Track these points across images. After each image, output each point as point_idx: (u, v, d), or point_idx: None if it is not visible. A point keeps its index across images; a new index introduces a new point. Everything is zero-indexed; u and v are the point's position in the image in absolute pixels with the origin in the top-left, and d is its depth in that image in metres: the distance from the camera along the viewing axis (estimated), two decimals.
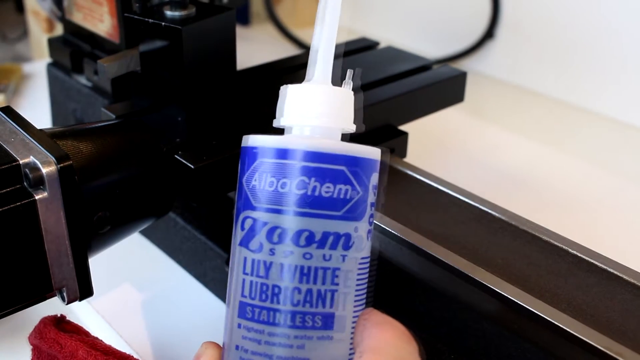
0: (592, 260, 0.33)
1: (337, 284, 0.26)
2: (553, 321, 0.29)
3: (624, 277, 0.32)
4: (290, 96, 0.28)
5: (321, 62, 0.28)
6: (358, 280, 0.26)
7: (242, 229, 0.26)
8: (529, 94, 0.71)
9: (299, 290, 0.25)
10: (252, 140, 0.27)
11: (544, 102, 0.69)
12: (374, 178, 0.27)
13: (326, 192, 0.25)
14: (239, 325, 0.26)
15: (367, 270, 0.27)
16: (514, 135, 0.62)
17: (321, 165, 0.25)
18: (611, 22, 0.64)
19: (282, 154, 0.26)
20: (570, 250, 0.34)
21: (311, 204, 0.25)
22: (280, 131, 0.28)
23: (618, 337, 0.29)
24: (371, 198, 0.27)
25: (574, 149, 0.61)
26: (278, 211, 0.25)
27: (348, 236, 0.26)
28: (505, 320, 0.31)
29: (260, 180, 0.26)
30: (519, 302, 0.30)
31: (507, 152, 0.59)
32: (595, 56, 0.65)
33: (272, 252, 0.25)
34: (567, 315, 0.30)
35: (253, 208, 0.26)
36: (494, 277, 0.32)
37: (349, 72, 0.29)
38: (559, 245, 0.35)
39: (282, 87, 0.28)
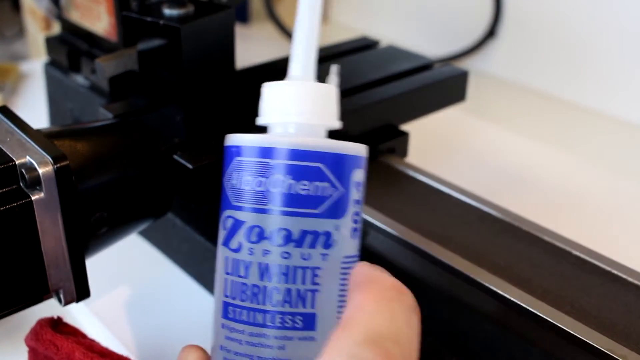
0: (595, 262, 0.33)
1: (317, 284, 0.25)
2: (556, 323, 0.29)
3: (628, 278, 0.32)
4: (269, 93, 0.28)
5: (301, 57, 0.28)
6: (343, 279, 0.26)
7: (224, 228, 0.26)
8: (531, 93, 0.71)
9: (277, 290, 0.25)
10: (231, 139, 0.27)
11: (547, 101, 0.69)
12: (357, 175, 0.26)
13: (302, 189, 0.25)
14: (223, 325, 0.26)
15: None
16: (516, 135, 0.62)
17: (296, 162, 0.25)
18: (616, 20, 0.63)
19: (257, 152, 0.26)
20: (573, 251, 0.34)
21: (288, 202, 0.25)
22: (265, 130, 0.28)
23: (621, 339, 0.29)
24: (354, 195, 0.26)
25: (578, 149, 0.60)
26: (255, 210, 0.25)
27: (328, 234, 0.25)
28: (508, 322, 0.31)
29: (238, 179, 0.26)
30: (521, 304, 0.30)
31: (509, 152, 0.59)
32: (599, 54, 0.65)
33: (250, 251, 0.25)
34: (570, 317, 0.29)
35: (232, 207, 0.26)
36: (496, 278, 0.32)
37: (333, 67, 0.28)
38: (562, 246, 0.34)
39: (264, 84, 0.28)
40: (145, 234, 0.47)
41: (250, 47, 0.80)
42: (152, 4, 0.37)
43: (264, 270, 0.25)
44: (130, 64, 0.38)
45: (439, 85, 0.46)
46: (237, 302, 0.26)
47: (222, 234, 0.27)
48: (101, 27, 0.45)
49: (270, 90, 0.28)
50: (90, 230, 0.31)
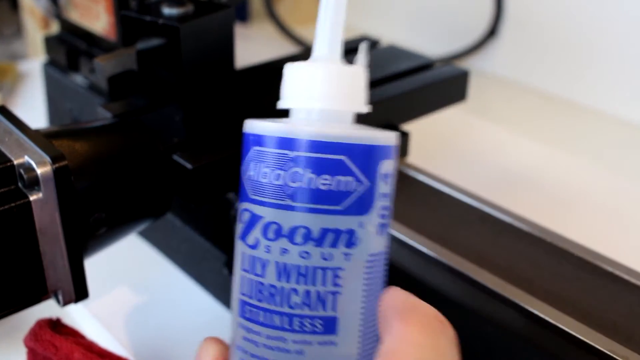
0: (597, 263, 0.33)
1: (339, 285, 0.23)
2: (558, 324, 0.29)
3: (630, 279, 0.32)
4: (291, 75, 0.26)
5: (327, 34, 0.25)
6: (368, 279, 0.24)
7: (241, 221, 0.25)
8: (532, 93, 0.70)
9: (296, 291, 0.23)
10: (249, 125, 0.25)
11: (548, 101, 0.69)
12: (386, 166, 0.24)
13: (324, 184, 0.23)
14: (239, 325, 0.25)
15: (382, 266, 0.25)
16: (517, 135, 0.62)
17: (317, 155, 0.23)
18: (618, 19, 0.63)
19: (275, 142, 0.24)
20: (575, 252, 0.34)
21: (307, 198, 0.23)
22: (287, 114, 0.26)
23: (623, 341, 0.29)
24: (382, 188, 0.24)
25: (579, 149, 0.60)
26: (273, 205, 0.23)
27: (351, 233, 0.23)
28: (509, 323, 0.31)
29: (255, 170, 0.24)
30: (523, 305, 0.30)
31: (510, 151, 0.59)
32: (601, 54, 0.65)
33: (267, 249, 0.24)
34: (571, 318, 0.29)
35: (249, 200, 0.24)
36: (497, 279, 0.32)
37: (362, 45, 0.26)
38: (563, 247, 0.34)
39: (286, 65, 0.26)
40: (144, 234, 0.47)
41: (250, 46, 0.79)
42: (151, 3, 0.37)
43: (281, 270, 0.23)
44: (129, 63, 0.38)
45: (439, 85, 0.46)
46: (254, 301, 0.24)
47: (239, 227, 0.25)
48: (100, 26, 0.45)
49: (292, 72, 0.26)
50: (88, 231, 0.31)
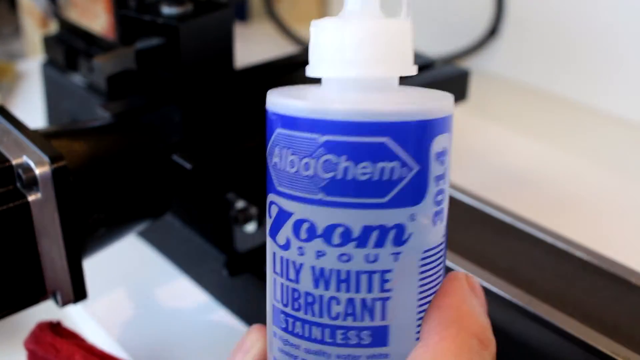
0: (599, 264, 0.33)
1: (389, 290, 0.20)
2: (559, 325, 0.29)
3: (632, 280, 0.32)
4: (317, 35, 0.21)
5: None
6: (424, 278, 0.20)
7: (270, 216, 0.21)
8: (533, 92, 0.70)
9: (337, 300, 0.20)
10: (272, 100, 0.21)
11: (550, 100, 0.69)
12: (440, 142, 0.20)
13: (363, 174, 0.19)
14: (274, 334, 0.22)
15: (440, 259, 0.21)
16: (518, 134, 0.62)
17: (353, 138, 0.19)
18: (620, 19, 0.63)
19: (302, 124, 0.19)
20: (576, 253, 0.34)
21: (343, 191, 0.19)
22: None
23: (625, 342, 0.28)
24: (436, 170, 0.20)
25: (581, 149, 0.60)
26: (303, 200, 0.20)
27: (401, 228, 0.19)
28: (509, 325, 0.31)
29: (280, 157, 0.20)
30: (523, 306, 0.30)
31: (511, 151, 0.59)
32: (602, 53, 0.65)
33: (301, 251, 0.20)
34: (572, 319, 0.29)
35: (276, 192, 0.20)
36: (498, 280, 0.31)
37: None
38: (565, 248, 0.34)
39: (312, 22, 0.21)
40: (144, 235, 0.47)
41: (250, 46, 0.79)
42: (150, 3, 0.36)
43: (318, 276, 0.20)
44: (128, 63, 0.37)
45: (440, 84, 0.46)
46: (289, 310, 0.21)
47: (268, 222, 0.21)
48: (99, 25, 0.45)
49: (319, 31, 0.21)
50: (87, 231, 0.31)
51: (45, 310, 0.33)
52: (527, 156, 0.58)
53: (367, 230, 0.19)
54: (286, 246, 0.20)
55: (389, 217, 0.19)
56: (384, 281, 0.20)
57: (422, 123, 0.19)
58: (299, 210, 0.20)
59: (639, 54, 0.62)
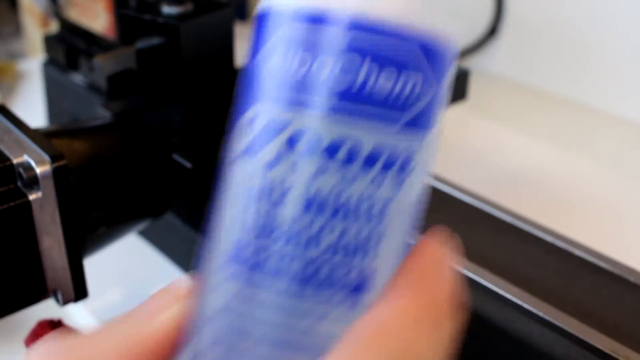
0: (599, 263, 0.33)
1: (386, 224, 0.17)
2: (559, 324, 0.29)
3: (632, 279, 0.32)
4: None
5: None
6: (413, 221, 0.19)
7: (246, 132, 0.18)
8: (532, 92, 0.70)
9: (330, 228, 0.17)
10: None
11: (550, 100, 0.69)
12: (451, 74, 0.18)
13: (386, 82, 0.17)
14: (230, 276, 0.18)
15: (423, 205, 0.19)
16: (518, 134, 0.62)
17: (383, 39, 0.16)
18: (620, 19, 0.63)
19: (316, 18, 0.17)
20: (576, 252, 0.34)
21: (360, 99, 0.16)
22: None
23: (625, 340, 0.28)
24: (443, 102, 0.18)
25: (581, 148, 0.60)
26: (309, 106, 0.17)
27: (410, 152, 0.17)
28: (510, 324, 0.31)
29: (282, 58, 0.17)
30: (523, 305, 0.30)
31: (510, 151, 0.59)
32: (602, 53, 0.65)
33: (294, 168, 0.17)
34: (573, 318, 0.29)
35: (269, 101, 0.17)
36: (498, 279, 0.31)
37: None
38: (565, 247, 0.34)
39: None
40: (144, 234, 0.47)
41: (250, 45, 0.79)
42: (150, 2, 0.36)
43: (312, 198, 0.17)
44: (129, 62, 0.37)
45: None
46: (262, 241, 0.17)
47: (239, 142, 0.18)
48: (99, 25, 0.45)
49: None
50: (88, 230, 0.31)
51: (46, 309, 0.33)
52: (527, 156, 0.58)
53: (377, 149, 0.17)
54: (274, 163, 0.17)
55: (403, 138, 0.17)
56: (382, 212, 0.17)
57: (450, 47, 0.18)
58: (299, 120, 0.17)
59: (639, 54, 0.62)
